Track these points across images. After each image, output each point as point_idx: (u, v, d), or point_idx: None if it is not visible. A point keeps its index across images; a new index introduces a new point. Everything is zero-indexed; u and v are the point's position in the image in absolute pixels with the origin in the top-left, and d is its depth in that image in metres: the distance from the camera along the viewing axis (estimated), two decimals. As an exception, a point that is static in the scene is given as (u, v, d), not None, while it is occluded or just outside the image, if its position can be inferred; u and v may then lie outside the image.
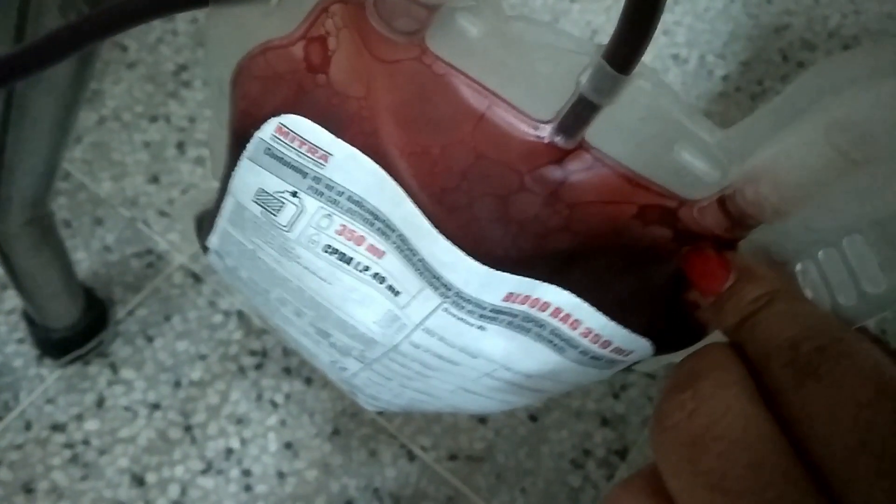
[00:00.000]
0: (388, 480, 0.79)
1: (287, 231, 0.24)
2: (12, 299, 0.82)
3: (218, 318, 0.84)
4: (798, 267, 0.22)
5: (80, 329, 0.77)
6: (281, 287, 0.28)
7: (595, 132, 0.20)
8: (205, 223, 0.30)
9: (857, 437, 0.15)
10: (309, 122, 0.22)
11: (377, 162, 0.22)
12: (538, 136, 0.20)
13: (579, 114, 0.19)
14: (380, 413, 0.81)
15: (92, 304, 0.78)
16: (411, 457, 0.80)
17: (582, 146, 0.20)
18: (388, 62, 0.20)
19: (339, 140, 0.22)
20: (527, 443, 0.82)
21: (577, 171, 0.21)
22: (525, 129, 0.20)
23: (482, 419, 0.82)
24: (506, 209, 0.22)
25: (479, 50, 0.20)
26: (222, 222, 0.27)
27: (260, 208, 0.24)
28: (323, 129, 0.22)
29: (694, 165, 0.20)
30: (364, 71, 0.21)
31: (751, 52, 1.10)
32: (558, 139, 0.20)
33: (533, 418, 0.83)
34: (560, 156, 0.21)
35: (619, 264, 0.23)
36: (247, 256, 0.28)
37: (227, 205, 0.26)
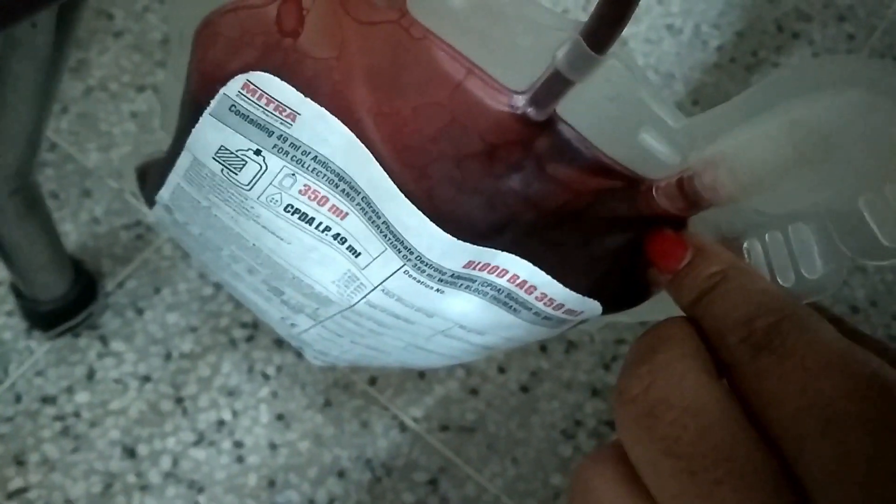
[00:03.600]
0: (380, 451, 0.80)
1: (247, 189, 0.24)
2: (0, 271, 0.81)
3: (208, 290, 0.84)
4: (745, 245, 0.23)
5: (68, 301, 0.76)
6: (235, 244, 0.28)
7: (565, 108, 0.21)
8: (149, 175, 0.29)
9: (805, 401, 0.16)
10: (278, 80, 0.21)
11: (346, 123, 0.22)
12: (511, 106, 0.21)
13: (552, 87, 0.20)
14: (372, 384, 0.81)
15: (80, 276, 0.77)
16: (403, 428, 0.81)
17: (553, 120, 0.21)
18: (365, 23, 0.20)
19: (308, 100, 0.22)
20: (518, 413, 0.82)
21: (545, 144, 0.21)
22: (499, 99, 0.21)
23: (474, 390, 0.83)
24: (472, 178, 0.22)
25: (461, 19, 0.20)
26: (175, 178, 0.27)
27: (220, 166, 0.24)
28: (292, 88, 0.21)
29: (656, 148, 0.21)
30: (338, 31, 0.21)
31: (746, 23, 1.09)
32: (530, 110, 0.21)
33: (524, 389, 0.83)
34: (530, 129, 0.21)
35: (577, 236, 0.24)
36: (200, 213, 0.27)
37: (183, 161, 0.25)
